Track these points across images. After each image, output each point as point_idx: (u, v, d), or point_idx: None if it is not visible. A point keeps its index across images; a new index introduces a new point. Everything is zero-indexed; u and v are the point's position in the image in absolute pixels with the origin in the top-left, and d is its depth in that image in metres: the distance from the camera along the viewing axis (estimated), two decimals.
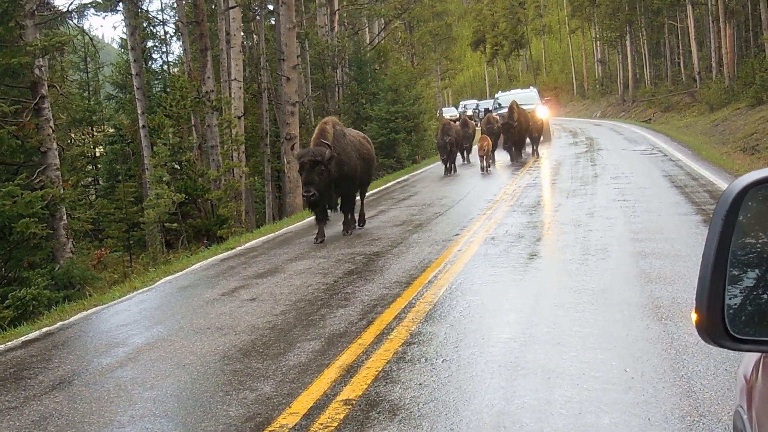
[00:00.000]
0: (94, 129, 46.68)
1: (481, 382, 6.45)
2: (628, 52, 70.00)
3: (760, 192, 2.43)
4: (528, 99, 37.79)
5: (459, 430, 5.56)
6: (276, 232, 17.77)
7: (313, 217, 16.32)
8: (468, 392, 6.26)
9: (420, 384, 6.53)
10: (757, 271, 2.44)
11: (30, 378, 7.83)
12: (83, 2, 27.18)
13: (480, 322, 8.31)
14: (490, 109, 41.18)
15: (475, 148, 30.58)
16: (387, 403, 6.17)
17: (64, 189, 19.08)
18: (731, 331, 2.35)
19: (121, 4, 34.94)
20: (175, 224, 24.37)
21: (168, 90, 34.29)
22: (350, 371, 7.01)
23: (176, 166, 27.07)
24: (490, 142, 27.41)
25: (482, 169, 26.97)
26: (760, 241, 2.48)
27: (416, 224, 16.24)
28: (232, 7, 29.07)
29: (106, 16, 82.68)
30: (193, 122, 30.27)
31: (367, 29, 54.38)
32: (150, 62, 46.28)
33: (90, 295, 14.31)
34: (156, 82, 45.23)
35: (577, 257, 11.27)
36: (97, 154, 47.11)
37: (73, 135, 40.06)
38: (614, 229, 13.44)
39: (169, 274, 13.65)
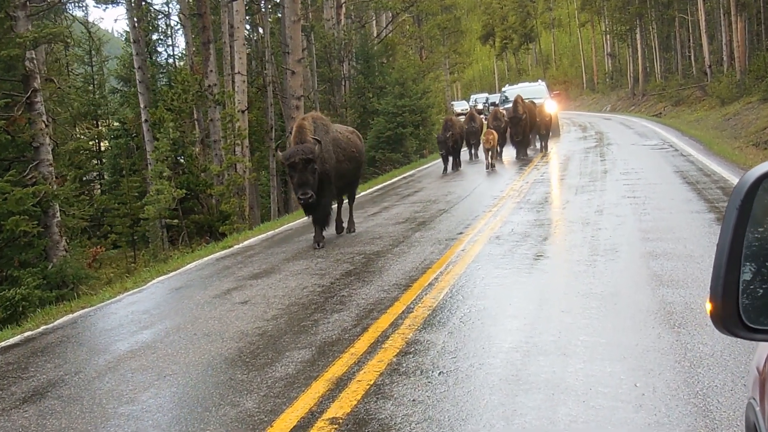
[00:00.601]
0: (99, 123, 46.26)
1: (479, 398, 5.98)
2: (638, 46, 69.53)
3: None
4: (536, 93, 37.12)
5: None
6: (276, 230, 17.33)
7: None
8: (465, 410, 5.79)
9: (413, 400, 6.05)
10: None
11: (2, 389, 7.38)
12: None
13: (481, 329, 7.83)
14: (497, 103, 40.49)
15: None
16: (377, 423, 5.69)
17: (57, 185, 18.59)
18: (745, 321, 2.35)
19: None
20: (176, 220, 23.96)
21: (172, 84, 33.85)
22: (340, 385, 6.54)
23: (181, 160, 26.71)
24: (496, 136, 26.51)
25: (487, 166, 26.03)
26: None
27: (419, 222, 15.77)
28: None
29: (107, 8, 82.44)
30: (195, 116, 29.91)
31: (374, 22, 53.89)
32: (155, 55, 45.87)
33: (77, 297, 13.85)
34: (161, 75, 44.81)
35: (585, 258, 10.78)
36: (102, 149, 46.69)
37: (77, 129, 39.60)
38: (624, 227, 12.96)
39: (163, 274, 13.21)
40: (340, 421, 5.80)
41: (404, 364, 6.91)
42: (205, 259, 14.32)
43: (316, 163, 13.28)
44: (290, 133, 25.74)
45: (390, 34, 52.80)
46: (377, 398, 6.16)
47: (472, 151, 30.89)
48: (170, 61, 48.09)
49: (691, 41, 60.60)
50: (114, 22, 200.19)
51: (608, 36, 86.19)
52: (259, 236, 16.60)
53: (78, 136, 33.64)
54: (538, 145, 31.57)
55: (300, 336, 8.14)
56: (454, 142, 27.12)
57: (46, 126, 18.25)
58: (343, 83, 43.72)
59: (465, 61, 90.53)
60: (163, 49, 48.04)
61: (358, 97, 43.50)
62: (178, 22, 45.33)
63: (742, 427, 5.03)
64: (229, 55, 30.95)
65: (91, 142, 45.10)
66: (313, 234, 14.26)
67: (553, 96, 40.26)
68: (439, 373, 6.61)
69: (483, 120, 32.85)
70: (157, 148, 25.01)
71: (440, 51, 72.14)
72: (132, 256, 32.12)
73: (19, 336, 9.68)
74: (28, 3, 18.09)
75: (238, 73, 28.13)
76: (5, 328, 11.32)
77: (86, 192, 40.49)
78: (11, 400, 7.02)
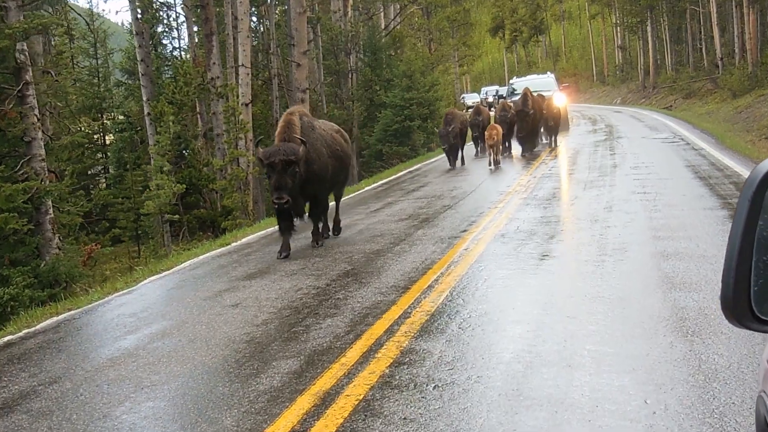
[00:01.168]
0: (104, 116, 45.89)
1: (476, 416, 5.51)
2: (649, 38, 69.04)
3: None
4: (545, 85, 36.31)
5: None
6: (276, 226, 16.84)
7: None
8: (460, 430, 5.32)
9: (404, 418, 5.58)
10: None
11: None
12: None
13: (481, 337, 7.36)
14: (504, 95, 39.78)
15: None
16: None
17: (50, 181, 18.11)
18: (757, 313, 2.32)
19: None
20: (176, 216, 23.55)
21: (176, 77, 33.49)
22: (327, 400, 6.07)
23: (185, 153, 26.33)
24: (500, 131, 25.37)
25: (490, 163, 24.69)
26: None
27: (423, 219, 15.31)
28: None
29: None
30: (198, 110, 29.50)
31: (382, 14, 53.46)
32: (160, 48, 45.49)
33: (70, 297, 13.40)
34: (166, 68, 44.36)
35: (593, 258, 10.31)
36: (108, 142, 46.33)
37: (82, 123, 39.14)
38: (634, 225, 12.48)
39: (156, 273, 12.77)
40: None
41: (397, 377, 6.44)
42: (201, 257, 13.88)
43: (298, 166, 12.28)
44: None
45: (398, 26, 52.42)
46: (366, 416, 5.70)
47: (479, 146, 29.90)
48: (176, 53, 47.67)
49: (703, 33, 60.02)
50: (116, 14, 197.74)
51: (619, 28, 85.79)
52: (259, 233, 16.16)
53: (75, 130, 32.99)
54: (546, 139, 30.84)
55: (289, 343, 7.68)
56: (455, 137, 25.92)
57: (39, 120, 17.76)
58: (350, 76, 43.36)
59: (474, 53, 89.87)
60: (168, 41, 47.64)
61: (365, 89, 43.16)
62: (178, 14, 45.07)
63: None
64: (232, 47, 30.55)
65: (96, 136, 44.79)
66: (281, 244, 13.05)
67: (562, 88, 39.23)
68: (434, 386, 6.13)
69: (490, 113, 32.01)
70: (158, 142, 24.59)
71: (449, 43, 71.78)
72: (136, 251, 31.81)
73: None
74: None
75: (242, 65, 27.68)
76: None
77: (92, 186, 40.30)
78: None
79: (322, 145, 13.42)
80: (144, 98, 32.58)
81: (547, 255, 10.87)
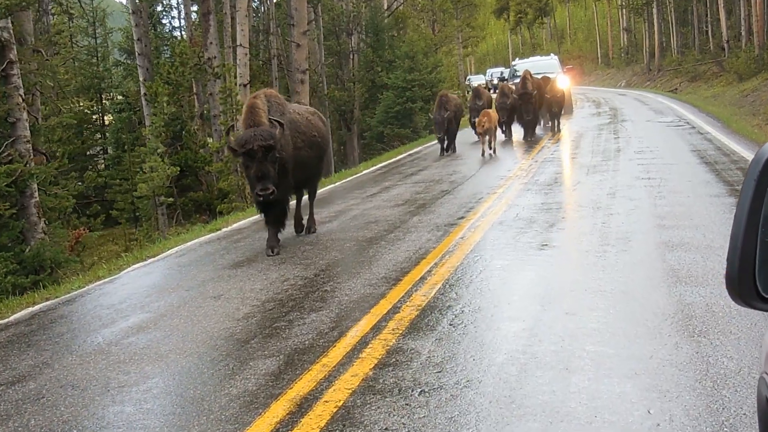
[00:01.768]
0: (102, 96, 45.45)
1: (464, 427, 5.06)
2: (655, 20, 68.54)
3: None
4: (548, 67, 35.57)
5: None
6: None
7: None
8: None
9: (386, 429, 5.12)
10: None
11: None
12: None
13: (474, 334, 6.89)
14: (506, 77, 39.06)
15: None
16: None
17: (36, 163, 17.61)
18: (762, 292, 2.33)
19: None
20: (171, 199, 23.10)
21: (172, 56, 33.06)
22: (303, 406, 5.60)
23: (183, 134, 25.90)
24: (492, 117, 23.18)
25: (483, 152, 22.78)
26: None
27: (419, 204, 14.85)
28: None
29: None
30: (195, 90, 29.03)
31: None
32: (159, 27, 45.01)
33: (47, 286, 12.92)
34: (165, 48, 43.90)
35: (595, 248, 9.84)
36: (107, 122, 45.91)
37: (75, 102, 38.57)
38: (638, 212, 12.02)
39: (141, 260, 12.34)
40: None
41: (381, 380, 5.97)
42: (189, 243, 13.42)
43: (278, 151, 11.00)
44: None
45: (401, 7, 51.89)
46: (344, 425, 5.24)
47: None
48: (175, 33, 47.19)
49: (709, 16, 59.43)
50: None
51: (624, 10, 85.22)
52: (251, 218, 15.65)
53: (66, 110, 32.30)
54: (549, 123, 30.03)
55: (269, 341, 7.22)
56: (449, 122, 24.44)
57: (24, 100, 17.23)
58: (352, 57, 42.91)
59: (478, 35, 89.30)
60: (168, 20, 47.17)
61: (367, 71, 42.77)
62: None
63: None
64: (230, 26, 30.09)
65: (95, 116, 44.35)
66: (267, 237, 11.80)
67: (566, 71, 38.59)
68: (420, 392, 5.67)
69: (493, 96, 31.00)
70: (152, 123, 24.14)
71: (453, 24, 71.22)
72: (133, 233, 31.44)
73: None
74: None
75: (240, 45, 27.18)
76: None
77: (90, 167, 39.83)
78: None
79: (293, 132, 12.02)
80: (141, 78, 32.06)
81: (546, 244, 10.40)
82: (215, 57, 26.70)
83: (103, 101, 45.30)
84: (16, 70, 16.82)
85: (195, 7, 35.01)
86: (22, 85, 17.21)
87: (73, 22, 46.01)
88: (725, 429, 4.75)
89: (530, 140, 26.29)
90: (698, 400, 5.17)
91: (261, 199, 10.99)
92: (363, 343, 6.89)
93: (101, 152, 44.80)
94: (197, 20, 32.55)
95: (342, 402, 5.61)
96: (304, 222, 13.12)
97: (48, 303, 10.00)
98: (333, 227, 13.35)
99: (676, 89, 53.04)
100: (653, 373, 5.67)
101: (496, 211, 13.22)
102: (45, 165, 18.24)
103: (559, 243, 10.51)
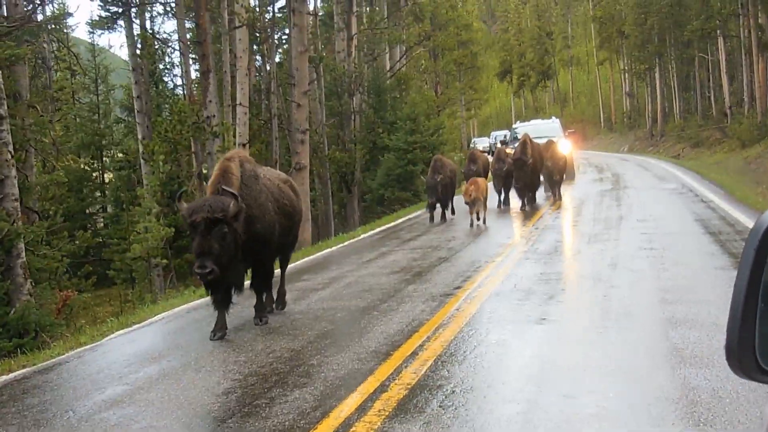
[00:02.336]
0: (103, 153, 45.43)
1: None
2: (657, 85, 68.84)
3: None
4: (550, 131, 34.98)
5: None
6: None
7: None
8: None
9: None
10: None
11: None
12: (79, 11, 25.69)
13: (465, 418, 6.47)
14: (506, 141, 38.35)
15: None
16: None
17: (23, 222, 17.27)
18: (762, 364, 2.29)
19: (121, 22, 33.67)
20: (165, 260, 22.75)
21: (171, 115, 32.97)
22: None
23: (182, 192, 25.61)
24: (480, 186, 21.71)
25: (471, 223, 21.60)
26: None
27: (416, 272, 14.48)
28: (238, 27, 27.48)
29: (102, 33, 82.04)
30: (193, 149, 28.77)
31: (387, 55, 52.88)
32: (161, 85, 45.04)
33: (39, 349, 12.53)
34: (166, 106, 43.92)
35: (595, 324, 9.44)
36: (107, 180, 45.85)
37: (69, 160, 38.38)
38: (640, 285, 11.65)
39: (126, 326, 11.97)
40: None
41: None
42: (176, 309, 13.09)
43: (228, 227, 9.77)
44: (298, 167, 24.62)
45: (404, 68, 51.96)
46: None
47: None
48: (177, 91, 47.20)
49: (711, 81, 59.66)
50: (119, 48, 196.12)
51: (627, 75, 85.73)
52: (245, 281, 15.24)
53: (59, 167, 32.03)
54: (548, 191, 28.60)
55: (248, 420, 6.80)
56: (444, 187, 23.36)
57: (12, 156, 16.90)
58: (353, 117, 42.77)
59: (482, 97, 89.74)
60: (170, 78, 47.21)
61: (368, 132, 42.65)
62: (174, 50, 44.71)
63: None
64: (230, 85, 29.97)
65: (95, 174, 44.30)
66: (215, 321, 10.55)
67: (568, 135, 37.88)
68: None
69: (489, 160, 29.81)
70: (148, 183, 23.87)
71: (456, 87, 71.58)
72: (128, 294, 31.05)
73: None
74: None
75: (240, 104, 27.04)
76: None
77: (89, 225, 39.56)
78: None
79: (267, 199, 11.07)
80: (140, 136, 31.96)
81: (545, 318, 10.00)
82: (214, 115, 26.48)
83: (104, 158, 45.28)
84: (5, 125, 16.52)
85: (196, 65, 34.91)
86: (11, 141, 16.92)
87: (75, 78, 46.08)
88: None
89: (529, 208, 25.13)
90: None
91: (198, 277, 10.03)
92: (346, 425, 6.47)
93: (101, 210, 44.68)
94: (195, 79, 32.38)
95: None
96: (274, 295, 12.16)
97: (24, 371, 9.61)
98: (325, 295, 12.97)
99: (679, 155, 53.07)
100: None
101: (493, 281, 12.84)
102: (35, 224, 17.90)
103: (558, 317, 10.11)
